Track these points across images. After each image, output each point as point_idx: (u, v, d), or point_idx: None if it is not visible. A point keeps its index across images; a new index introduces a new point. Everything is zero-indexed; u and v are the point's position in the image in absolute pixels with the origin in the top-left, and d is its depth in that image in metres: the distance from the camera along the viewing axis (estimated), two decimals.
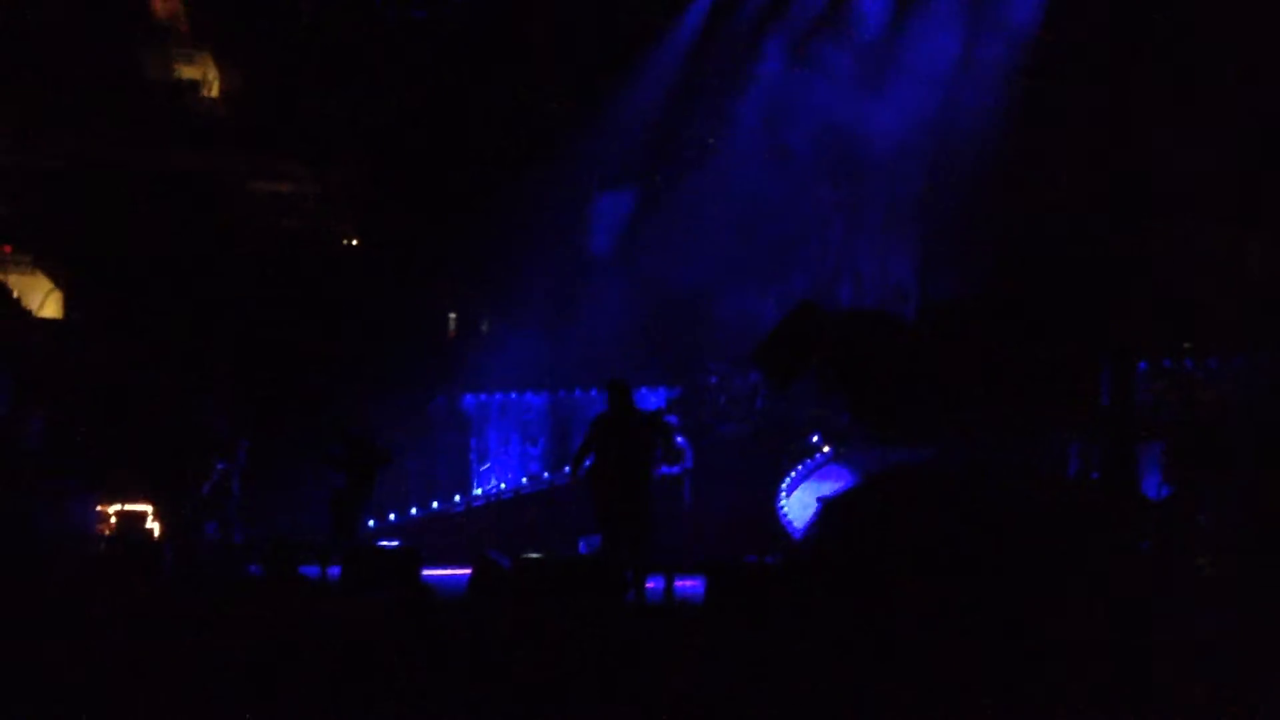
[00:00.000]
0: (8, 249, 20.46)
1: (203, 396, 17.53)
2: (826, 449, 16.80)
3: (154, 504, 16.64)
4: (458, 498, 19.65)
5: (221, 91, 22.54)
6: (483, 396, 20.85)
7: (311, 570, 14.13)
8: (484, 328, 22.10)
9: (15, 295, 20.04)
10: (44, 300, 20.37)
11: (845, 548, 10.57)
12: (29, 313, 20.01)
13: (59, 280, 20.62)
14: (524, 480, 19.75)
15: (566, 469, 18.70)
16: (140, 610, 11.20)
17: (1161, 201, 16.10)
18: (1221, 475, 13.20)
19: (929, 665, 7.45)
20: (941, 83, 19.08)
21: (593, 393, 19.67)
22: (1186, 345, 15.73)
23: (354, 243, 22.62)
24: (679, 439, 16.07)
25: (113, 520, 16.48)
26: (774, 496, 16.40)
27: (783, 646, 8.62)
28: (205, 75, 22.54)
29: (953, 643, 8.20)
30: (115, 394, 17.97)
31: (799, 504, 16.06)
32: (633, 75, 20.79)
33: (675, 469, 15.91)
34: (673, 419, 16.14)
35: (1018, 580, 9.52)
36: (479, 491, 19.97)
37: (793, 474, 16.70)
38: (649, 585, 12.83)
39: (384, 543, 15.56)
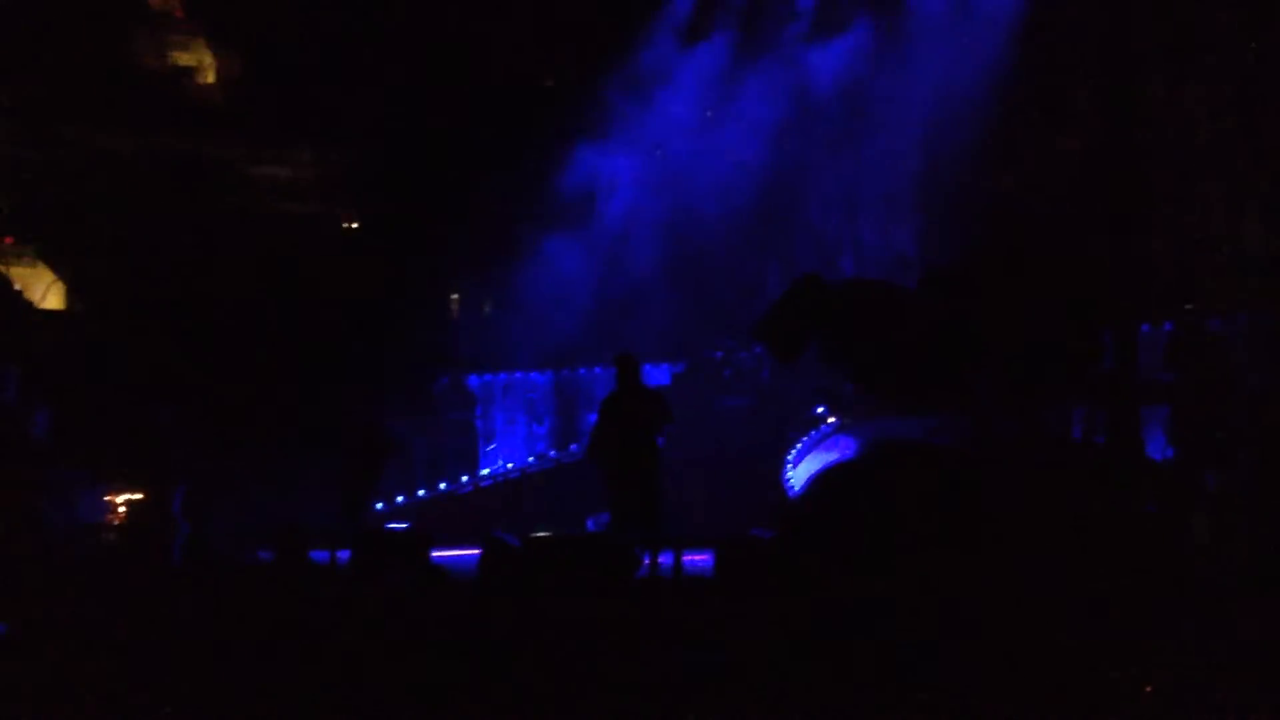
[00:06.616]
0: (9, 241, 20.45)
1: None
2: (832, 420, 16.81)
3: (157, 493, 16.63)
4: (465, 478, 19.69)
5: (217, 77, 22.49)
6: (487, 376, 20.88)
7: (321, 555, 14.17)
8: (486, 308, 22.11)
9: (17, 288, 20.04)
10: (46, 292, 20.37)
11: (839, 516, 10.53)
12: (31, 305, 20.00)
13: (60, 272, 20.61)
14: (530, 460, 19.78)
15: (574, 447, 18.75)
16: (152, 598, 11.26)
17: (1160, 165, 16.08)
18: (1226, 437, 13.23)
19: (930, 633, 7.49)
20: (940, 48, 19.03)
21: (597, 370, 19.68)
22: (1188, 307, 15.72)
23: (354, 225, 22.60)
24: None
25: (121, 510, 16.51)
26: (780, 468, 16.42)
27: (790, 617, 8.66)
28: (201, 61, 22.50)
29: (954, 611, 8.24)
30: (118, 384, 17.97)
31: (805, 475, 16.09)
32: (630, 47, 20.77)
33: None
34: None
35: (1020, 547, 9.54)
36: (486, 472, 20.00)
37: (799, 446, 16.73)
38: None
39: (393, 525, 15.56)
